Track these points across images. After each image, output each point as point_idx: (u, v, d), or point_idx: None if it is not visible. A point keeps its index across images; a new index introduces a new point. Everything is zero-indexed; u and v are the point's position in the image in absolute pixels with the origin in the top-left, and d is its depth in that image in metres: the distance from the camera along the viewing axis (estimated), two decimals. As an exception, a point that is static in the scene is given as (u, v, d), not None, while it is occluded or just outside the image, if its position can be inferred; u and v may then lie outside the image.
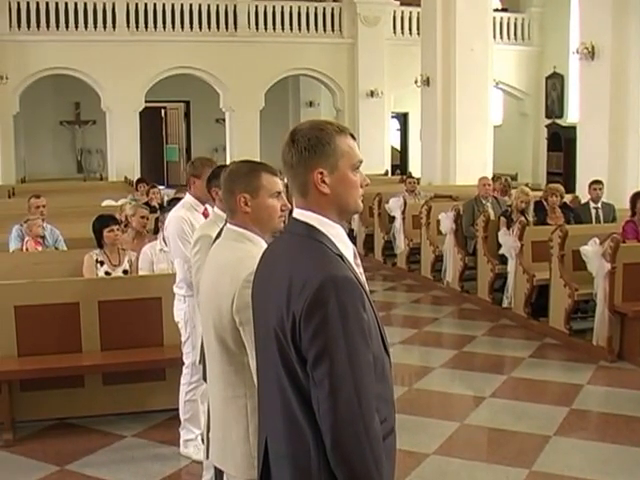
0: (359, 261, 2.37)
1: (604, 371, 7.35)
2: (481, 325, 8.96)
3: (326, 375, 2.04)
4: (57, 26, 19.55)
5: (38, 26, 19.45)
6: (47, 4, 19.52)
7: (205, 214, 5.08)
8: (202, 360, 3.79)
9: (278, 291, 2.17)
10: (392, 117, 23.39)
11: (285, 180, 2.47)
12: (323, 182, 2.21)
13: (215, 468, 3.38)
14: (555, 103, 22.11)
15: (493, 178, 12.20)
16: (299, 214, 2.25)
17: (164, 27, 20.42)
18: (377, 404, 2.10)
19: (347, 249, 2.26)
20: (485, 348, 8.19)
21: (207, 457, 3.39)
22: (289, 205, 3.14)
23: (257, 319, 2.38)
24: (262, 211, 2.99)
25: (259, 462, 2.34)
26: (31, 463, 5.40)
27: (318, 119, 2.47)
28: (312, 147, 2.20)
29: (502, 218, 9.67)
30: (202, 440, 5.09)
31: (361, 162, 2.28)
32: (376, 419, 2.08)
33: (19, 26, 19.34)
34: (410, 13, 22.07)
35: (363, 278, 2.27)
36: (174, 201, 7.72)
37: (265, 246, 2.86)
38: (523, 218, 9.26)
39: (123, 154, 20.25)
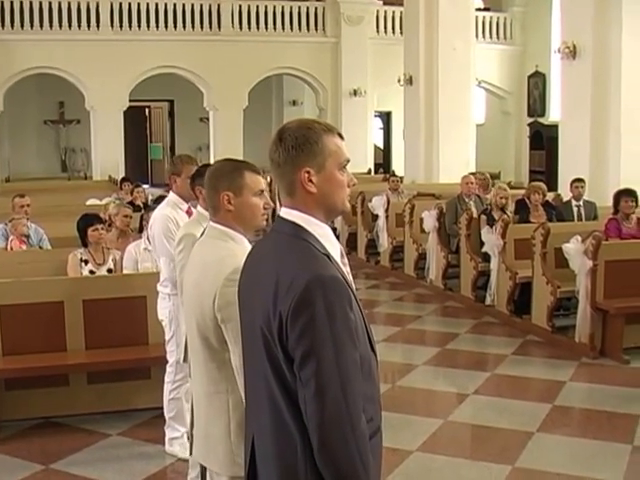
0: (346, 260, 2.37)
1: (586, 368, 7.42)
2: (464, 323, 9.01)
3: (313, 375, 2.03)
4: (41, 25, 19.50)
5: (22, 25, 19.39)
6: (31, 3, 19.46)
7: (189, 212, 5.09)
8: (187, 358, 3.82)
9: (265, 290, 2.16)
10: (375, 116, 23.46)
11: (268, 179, 2.47)
12: (310, 181, 2.20)
13: (201, 465, 3.39)
14: (537, 102, 22.24)
15: (473, 174, 12.24)
16: (286, 213, 2.25)
17: (148, 26, 20.40)
18: (364, 403, 2.10)
19: (334, 248, 2.26)
20: (468, 345, 8.24)
21: (191, 454, 3.40)
22: (272, 203, 3.16)
23: (243, 318, 2.38)
24: (245, 209, 3.01)
25: (246, 461, 2.34)
26: (16, 462, 5.38)
27: (306, 118, 2.47)
28: (299, 146, 2.20)
29: (482, 216, 9.73)
30: (188, 438, 5.12)
31: (348, 161, 2.28)
32: (363, 419, 2.08)
33: (3, 25, 19.29)
34: (393, 12, 22.15)
35: (350, 277, 2.27)
36: (159, 199, 7.74)
37: (248, 245, 2.88)
38: (505, 216, 9.32)
39: (107, 153, 20.21)
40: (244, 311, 2.38)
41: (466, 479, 5.18)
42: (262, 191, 3.05)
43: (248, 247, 2.72)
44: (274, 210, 4.28)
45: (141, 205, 10.42)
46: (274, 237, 2.31)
